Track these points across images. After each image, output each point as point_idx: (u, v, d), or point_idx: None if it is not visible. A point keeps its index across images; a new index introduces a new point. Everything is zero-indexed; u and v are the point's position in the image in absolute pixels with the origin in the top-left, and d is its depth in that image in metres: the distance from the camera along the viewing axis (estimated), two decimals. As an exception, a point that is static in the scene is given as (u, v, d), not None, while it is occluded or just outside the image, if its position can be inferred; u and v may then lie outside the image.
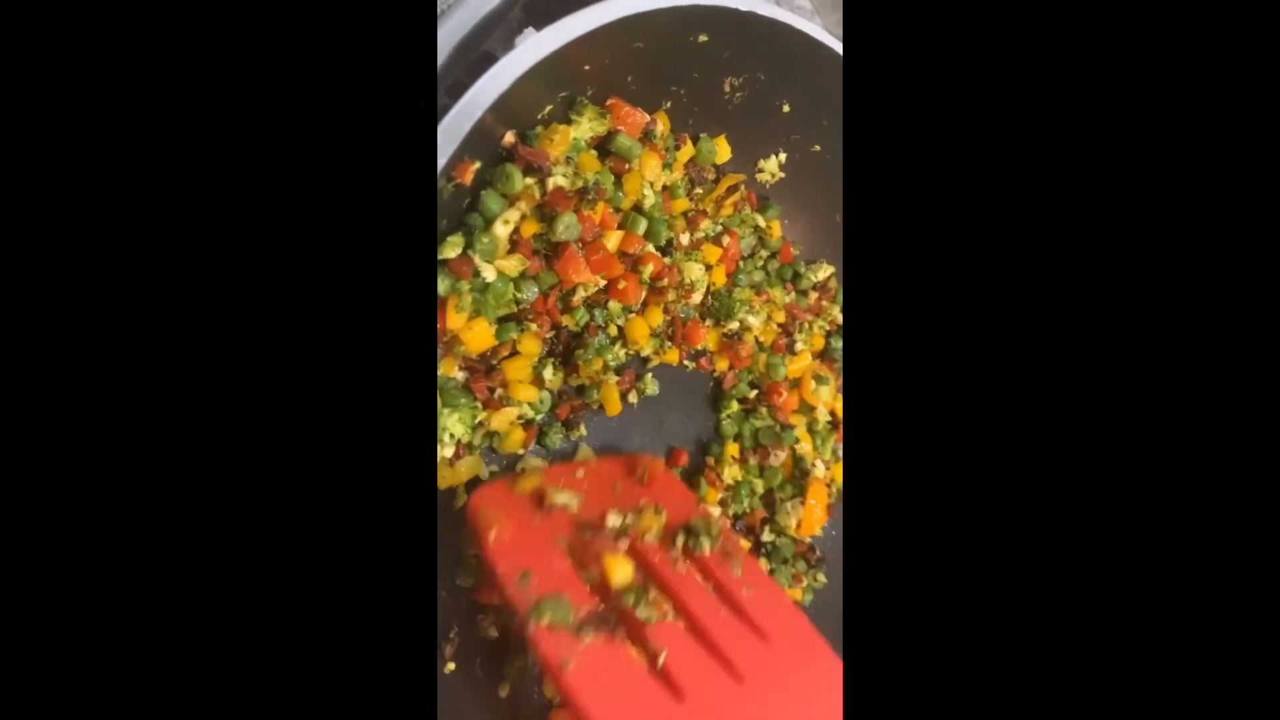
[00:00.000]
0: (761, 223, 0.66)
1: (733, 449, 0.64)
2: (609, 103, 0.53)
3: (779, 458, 0.64)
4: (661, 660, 0.42)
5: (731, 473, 0.63)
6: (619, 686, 0.40)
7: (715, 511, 0.61)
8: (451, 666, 0.48)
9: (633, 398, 0.60)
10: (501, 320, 0.52)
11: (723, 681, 0.43)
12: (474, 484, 0.51)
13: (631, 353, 0.60)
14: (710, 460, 0.64)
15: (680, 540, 0.48)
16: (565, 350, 0.57)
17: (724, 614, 0.45)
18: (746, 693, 0.43)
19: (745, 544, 0.62)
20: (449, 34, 0.51)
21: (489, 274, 0.49)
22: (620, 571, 0.45)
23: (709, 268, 0.62)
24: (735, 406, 0.65)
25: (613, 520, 0.48)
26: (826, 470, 0.67)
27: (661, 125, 0.56)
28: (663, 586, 0.45)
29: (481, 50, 0.51)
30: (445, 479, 0.50)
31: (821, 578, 0.66)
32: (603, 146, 0.54)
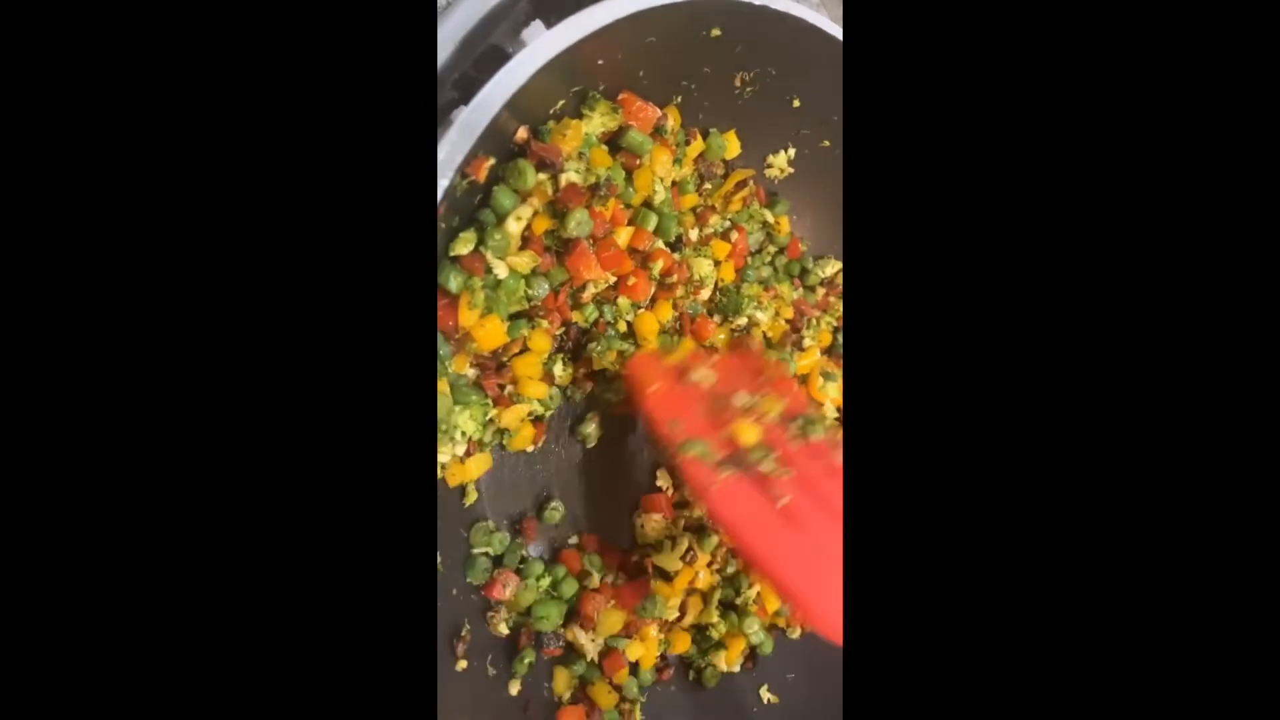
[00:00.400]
0: (770, 218, 0.66)
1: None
2: (621, 97, 0.52)
3: (786, 454, 0.64)
4: (783, 502, 0.48)
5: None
6: (751, 510, 0.48)
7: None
8: (463, 664, 0.48)
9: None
10: (512, 317, 0.51)
11: (830, 525, 0.48)
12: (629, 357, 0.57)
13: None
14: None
15: (795, 425, 0.54)
16: (575, 346, 0.56)
17: (829, 480, 0.51)
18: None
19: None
20: (454, 27, 0.50)
21: (501, 271, 0.49)
22: (750, 433, 0.51)
23: (717, 263, 0.62)
24: (743, 402, 0.65)
25: (742, 399, 0.54)
26: (833, 466, 0.67)
27: (672, 120, 0.55)
28: (781, 454, 0.51)
29: (488, 44, 0.51)
30: (455, 476, 0.50)
31: (827, 573, 0.66)
32: (613, 141, 0.53)
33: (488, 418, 0.51)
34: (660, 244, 0.57)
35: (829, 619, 0.44)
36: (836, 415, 0.68)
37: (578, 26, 0.46)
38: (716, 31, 0.53)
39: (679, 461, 0.50)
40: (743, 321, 0.64)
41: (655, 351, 0.58)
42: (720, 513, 0.49)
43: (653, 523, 0.59)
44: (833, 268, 0.69)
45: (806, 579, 0.46)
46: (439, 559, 0.48)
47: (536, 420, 0.55)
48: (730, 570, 0.62)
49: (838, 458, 0.53)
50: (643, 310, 0.59)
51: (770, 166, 0.66)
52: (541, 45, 0.45)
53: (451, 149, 0.43)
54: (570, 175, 0.50)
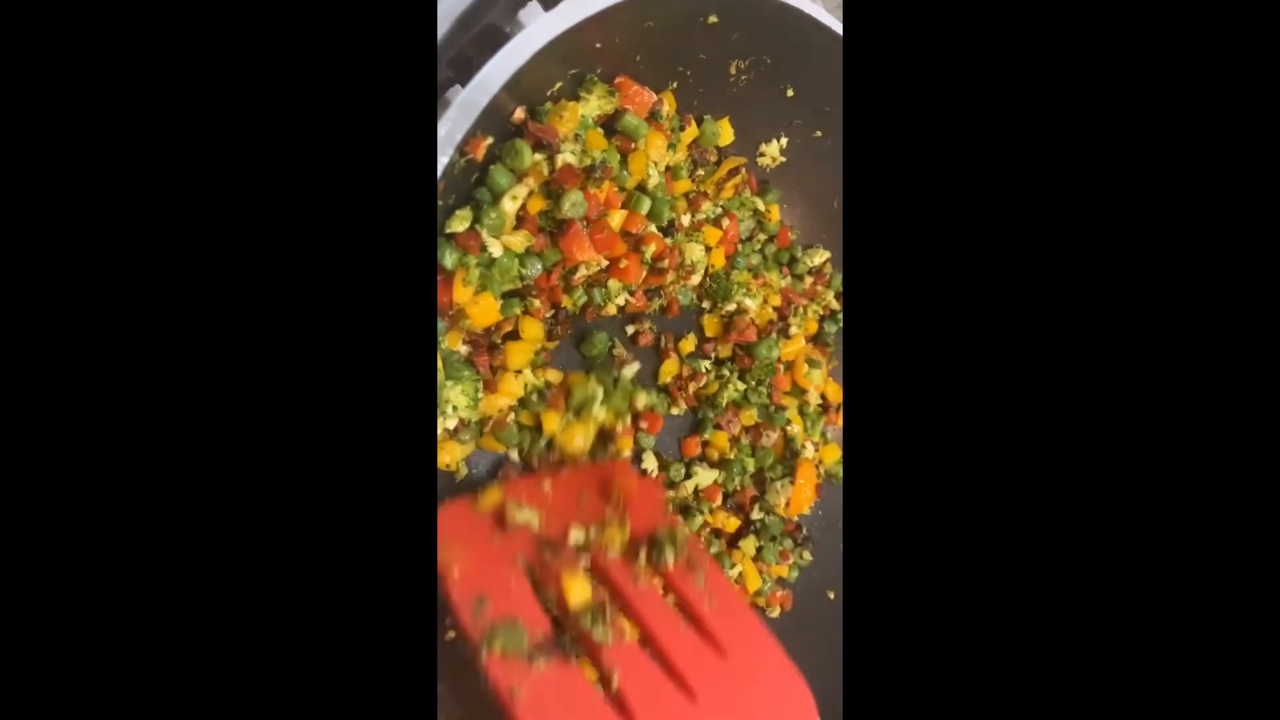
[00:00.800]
0: (761, 206, 0.67)
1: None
2: (617, 81, 0.53)
3: (771, 438, 0.65)
4: (615, 682, 0.42)
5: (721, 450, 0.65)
6: (568, 713, 0.40)
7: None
8: (451, 635, 0.49)
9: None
10: (505, 295, 0.52)
11: (675, 700, 0.43)
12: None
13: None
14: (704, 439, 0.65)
15: (643, 553, 0.48)
16: (564, 332, 0.57)
17: (682, 629, 0.46)
18: (700, 710, 0.43)
19: (733, 523, 0.64)
20: (451, 5, 0.51)
21: (495, 249, 0.49)
22: (578, 592, 0.44)
23: (709, 249, 0.63)
24: (729, 387, 0.66)
25: (575, 536, 0.47)
26: (816, 451, 0.68)
27: (667, 105, 0.56)
28: (622, 604, 0.46)
29: (485, 23, 0.51)
30: (451, 453, 0.51)
31: (807, 555, 0.68)
32: (608, 125, 0.54)
33: (478, 396, 0.52)
34: (653, 228, 0.58)
35: None
36: (820, 403, 0.69)
37: (577, 9, 0.46)
38: (713, 19, 0.53)
39: (480, 663, 0.41)
40: (731, 308, 0.65)
41: (465, 500, 0.48)
42: None
43: None
44: (821, 257, 0.70)
45: None
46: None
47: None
48: (714, 550, 0.63)
49: (697, 580, 0.46)
50: (632, 294, 0.59)
51: (763, 155, 0.67)
52: (541, 27, 0.46)
53: (451, 127, 0.44)
54: (566, 156, 0.50)
